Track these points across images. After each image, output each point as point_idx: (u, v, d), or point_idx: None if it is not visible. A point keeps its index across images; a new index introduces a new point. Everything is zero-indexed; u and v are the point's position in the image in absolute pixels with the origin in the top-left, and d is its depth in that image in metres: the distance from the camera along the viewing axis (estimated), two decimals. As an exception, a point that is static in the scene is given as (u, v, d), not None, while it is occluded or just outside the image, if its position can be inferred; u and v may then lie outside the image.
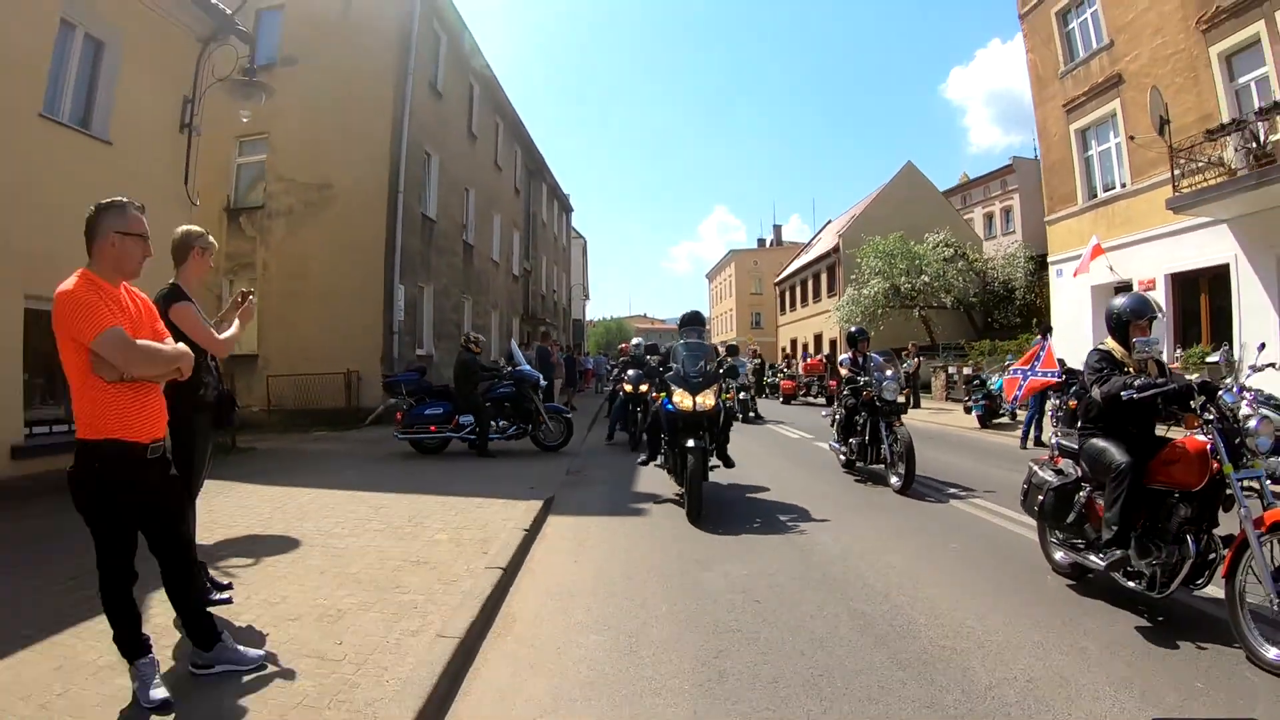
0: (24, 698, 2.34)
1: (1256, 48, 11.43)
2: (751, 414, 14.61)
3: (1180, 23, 12.74)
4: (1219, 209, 11.23)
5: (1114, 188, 14.34)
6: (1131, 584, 3.34)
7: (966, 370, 17.60)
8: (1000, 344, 19.38)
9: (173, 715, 2.25)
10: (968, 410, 13.38)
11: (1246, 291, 11.38)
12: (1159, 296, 12.78)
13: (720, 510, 5.71)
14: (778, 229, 59.53)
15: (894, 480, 6.65)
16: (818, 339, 34.17)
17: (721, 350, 7.86)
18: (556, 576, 4.10)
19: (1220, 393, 3.17)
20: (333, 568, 3.91)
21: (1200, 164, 11.18)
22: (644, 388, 8.72)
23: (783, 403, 19.95)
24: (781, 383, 21.02)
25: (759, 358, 22.56)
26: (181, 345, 2.47)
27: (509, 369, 9.16)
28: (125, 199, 2.34)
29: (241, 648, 2.59)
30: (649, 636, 3.16)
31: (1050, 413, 9.43)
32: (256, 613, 3.19)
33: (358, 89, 13.13)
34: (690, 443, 5.47)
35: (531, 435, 9.00)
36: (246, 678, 2.51)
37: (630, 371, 9.73)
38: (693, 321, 6.69)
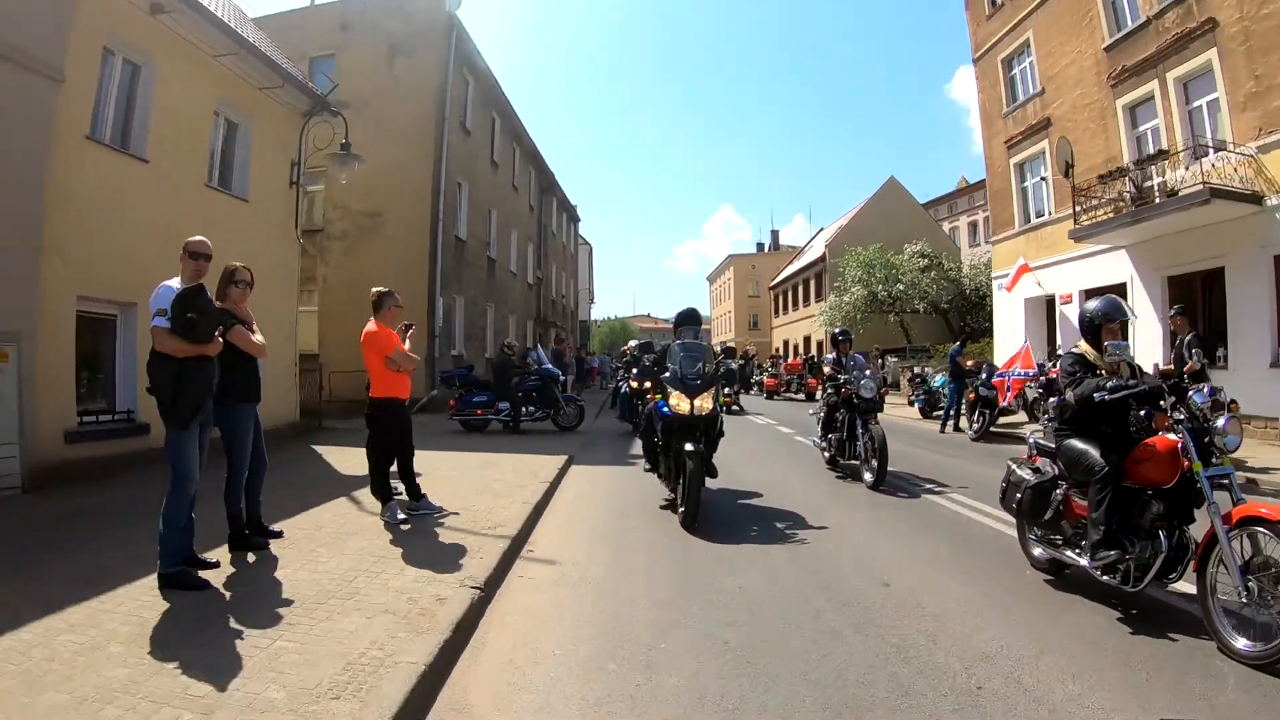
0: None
1: (1152, 102, 13.88)
2: (735, 406, 17.10)
3: (1095, 77, 15.19)
4: (1114, 238, 13.67)
5: (1043, 215, 16.81)
6: (1106, 578, 3.40)
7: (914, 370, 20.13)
8: (939, 347, 21.97)
9: (406, 521, 4.83)
10: (911, 403, 15.88)
11: (1139, 305, 13.82)
12: (1073, 309, 15.31)
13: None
14: (775, 234, 61.93)
15: (867, 476, 6.84)
16: (806, 340, 36.72)
17: (718, 351, 8.05)
18: (581, 492, 6.69)
19: (1190, 394, 3.29)
20: (455, 482, 6.50)
21: (1096, 201, 13.64)
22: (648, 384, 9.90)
23: (766, 398, 22.45)
24: (765, 380, 23.52)
25: (745, 358, 25.01)
26: (415, 355, 5.06)
27: (536, 368, 11.72)
28: (393, 291, 4.96)
29: (431, 501, 5.22)
30: (631, 515, 5.73)
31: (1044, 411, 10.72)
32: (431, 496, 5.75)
33: (402, 132, 15.68)
34: (689, 446, 5.31)
35: (553, 418, 11.57)
36: (435, 515, 5.10)
37: (636, 369, 11.99)
38: (689, 320, 6.41)
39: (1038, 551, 4.04)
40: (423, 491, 5.22)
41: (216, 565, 3.78)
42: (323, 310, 15.90)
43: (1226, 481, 3.10)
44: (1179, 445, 3.14)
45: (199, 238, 3.74)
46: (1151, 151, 13.49)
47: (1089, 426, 3.58)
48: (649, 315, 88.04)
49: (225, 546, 4.14)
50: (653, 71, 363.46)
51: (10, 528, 4.82)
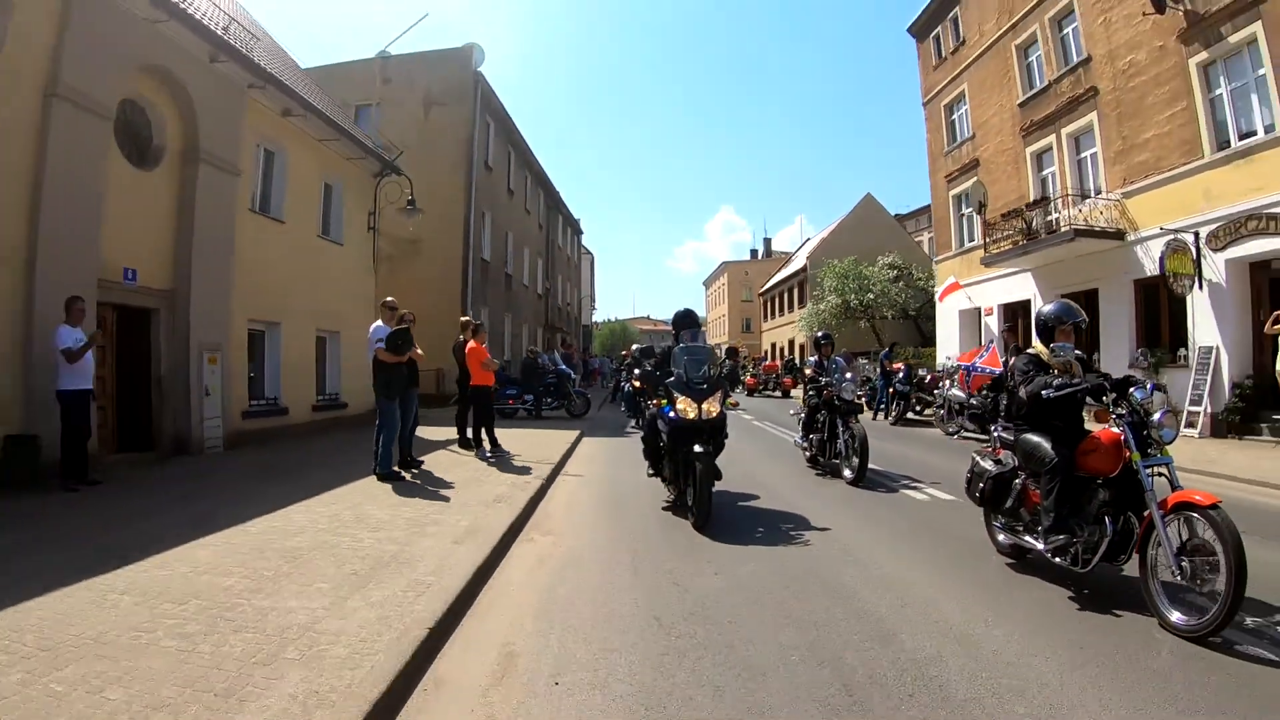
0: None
1: (1051, 152, 17.11)
2: (738, 407, 20.24)
3: (1012, 127, 18.41)
4: (1017, 263, 16.88)
5: (972, 241, 20.05)
6: (1058, 560, 3.62)
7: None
8: (901, 350, 25.17)
9: (491, 458, 8.13)
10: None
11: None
12: (994, 321, 18.56)
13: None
14: (767, 242, 65.21)
15: (847, 473, 7.09)
16: (791, 344, 39.97)
17: (720, 353, 8.43)
18: (590, 454, 9.97)
19: (1132, 390, 3.46)
20: (509, 442, 9.63)
21: (1001, 235, 16.88)
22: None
23: (746, 395, 25.70)
24: (747, 379, 26.77)
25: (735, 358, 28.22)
26: (496, 360, 8.34)
27: (553, 369, 15.01)
28: (482, 324, 8.26)
29: (504, 449, 8.56)
30: (622, 463, 8.95)
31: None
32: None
33: (438, 175, 18.90)
34: (697, 448, 5.32)
35: (566, 408, 14.89)
36: (508, 456, 8.43)
37: (637, 370, 15.21)
38: (689, 322, 6.40)
39: (1001, 537, 4.26)
40: (499, 445, 8.51)
41: (401, 476, 7.02)
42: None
43: (1165, 470, 3.30)
44: (1120, 438, 3.37)
45: (391, 299, 7.07)
46: (1052, 193, 16.75)
47: (1042, 421, 3.81)
48: (648, 317, 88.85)
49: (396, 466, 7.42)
50: (654, 74, 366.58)
51: (241, 467, 7.97)
